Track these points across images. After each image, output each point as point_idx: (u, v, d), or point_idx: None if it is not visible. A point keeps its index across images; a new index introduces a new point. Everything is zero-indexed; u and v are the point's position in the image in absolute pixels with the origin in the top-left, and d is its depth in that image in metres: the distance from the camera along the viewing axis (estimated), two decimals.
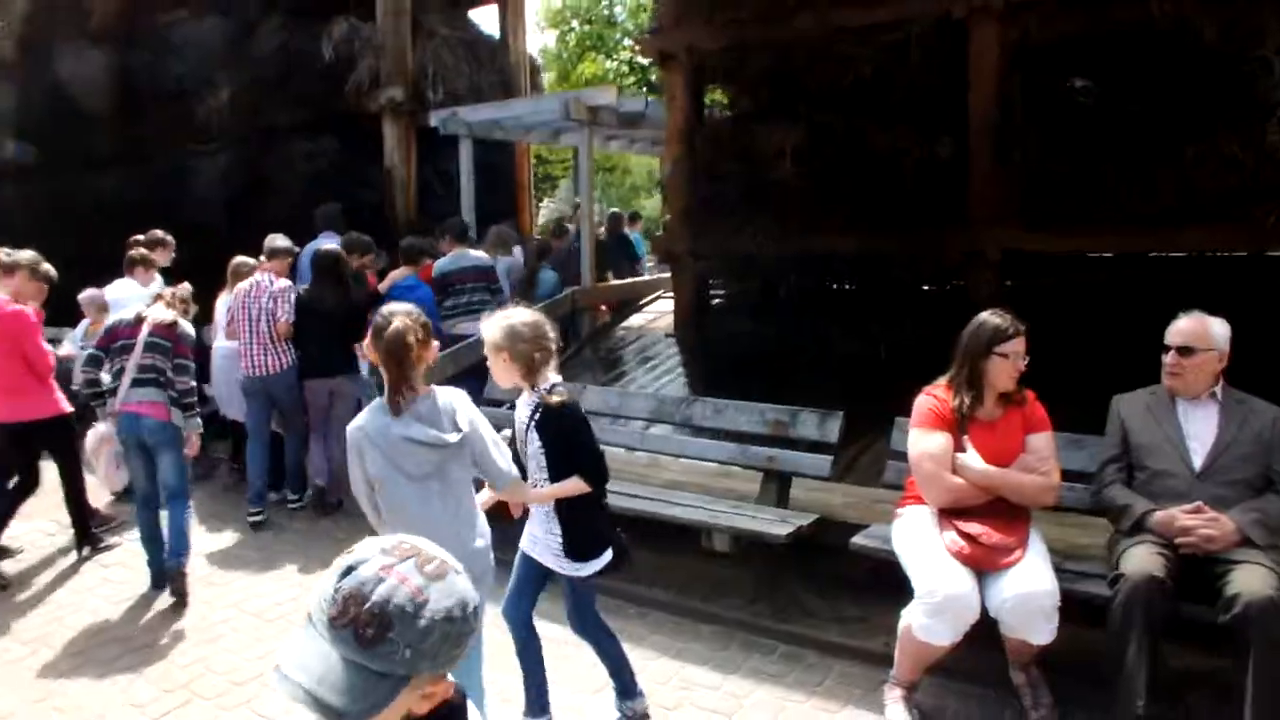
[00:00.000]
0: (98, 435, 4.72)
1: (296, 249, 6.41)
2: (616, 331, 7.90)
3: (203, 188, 10.48)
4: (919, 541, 3.01)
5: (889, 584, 3.82)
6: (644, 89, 18.01)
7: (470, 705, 1.21)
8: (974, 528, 2.96)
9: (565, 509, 2.97)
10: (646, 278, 9.13)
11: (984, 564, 2.91)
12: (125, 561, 5.09)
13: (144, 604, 4.56)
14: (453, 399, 2.84)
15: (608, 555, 3.03)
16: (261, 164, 10.11)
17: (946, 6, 5.91)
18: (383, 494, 2.80)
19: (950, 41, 5.98)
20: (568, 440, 2.92)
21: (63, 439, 5.10)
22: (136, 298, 6.09)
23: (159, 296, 4.95)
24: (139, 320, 4.65)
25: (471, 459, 2.83)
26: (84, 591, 4.75)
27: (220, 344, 6.33)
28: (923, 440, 3.04)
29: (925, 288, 6.63)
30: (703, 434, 4.59)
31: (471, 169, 8.74)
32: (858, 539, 3.51)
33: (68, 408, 5.12)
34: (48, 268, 5.27)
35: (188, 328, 4.77)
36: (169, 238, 7.16)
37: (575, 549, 2.99)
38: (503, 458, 2.87)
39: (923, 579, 2.88)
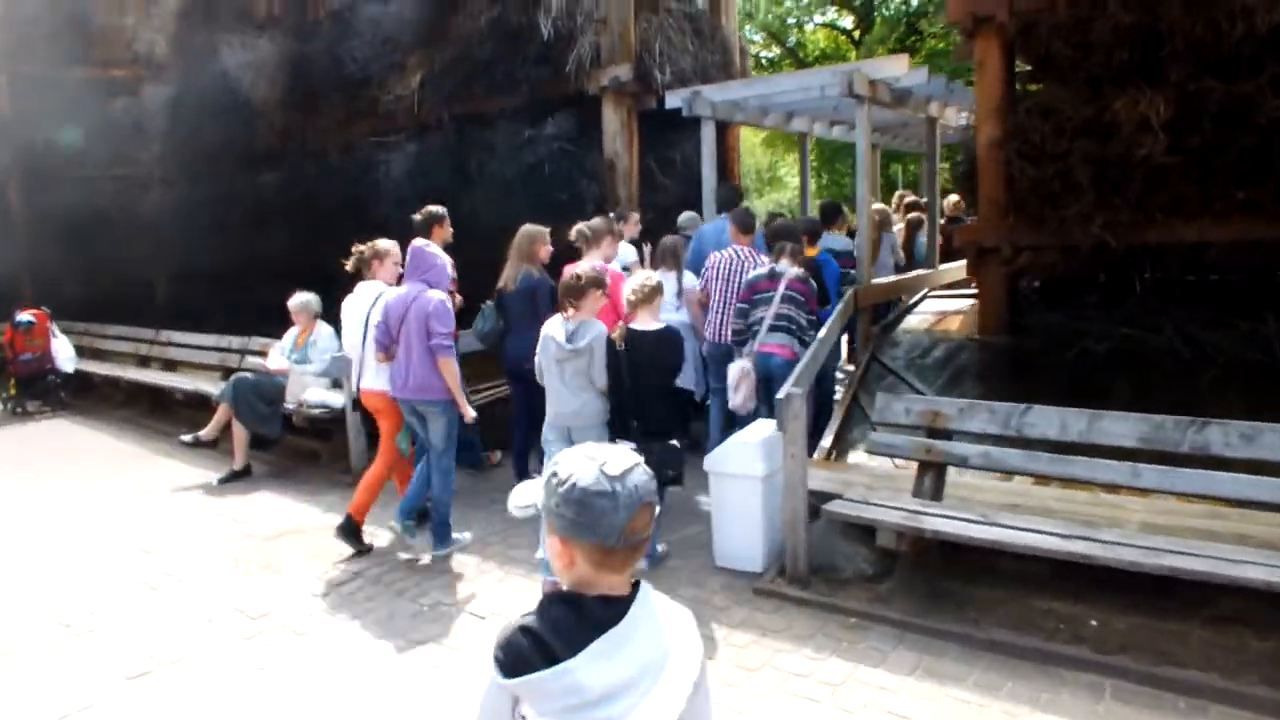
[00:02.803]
0: (740, 369, 5.91)
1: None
2: (897, 336, 7.25)
3: (390, 181, 10.16)
4: None
5: None
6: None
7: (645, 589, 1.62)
8: None
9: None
10: (908, 275, 8.44)
11: None
12: None
13: None
14: (596, 329, 4.73)
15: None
16: (463, 153, 9.71)
17: None
18: (542, 366, 4.90)
19: None
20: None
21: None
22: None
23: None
24: (774, 275, 6.00)
25: (588, 361, 4.72)
26: None
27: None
28: None
29: None
30: (1211, 465, 3.90)
31: (714, 155, 8.18)
32: None
33: None
34: None
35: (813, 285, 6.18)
36: (634, 212, 7.70)
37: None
38: (602, 371, 4.73)
39: None
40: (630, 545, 1.54)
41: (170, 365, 10.84)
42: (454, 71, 9.76)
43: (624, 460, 1.57)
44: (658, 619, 1.59)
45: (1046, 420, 4.21)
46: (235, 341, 9.53)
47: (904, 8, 22.94)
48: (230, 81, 11.97)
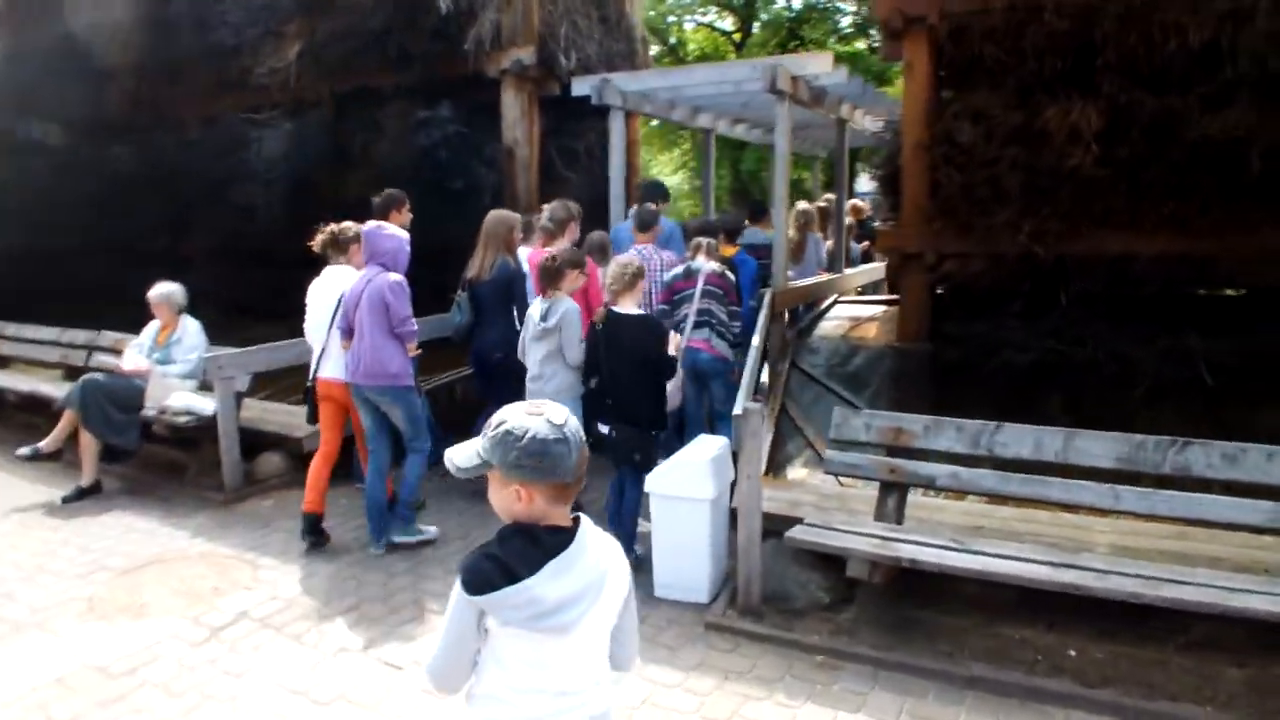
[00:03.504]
0: None
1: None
2: (814, 343, 6.99)
3: (261, 161, 9.23)
4: None
5: None
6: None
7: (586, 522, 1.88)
8: None
9: None
10: (819, 278, 8.19)
11: None
12: None
13: None
14: (564, 307, 4.97)
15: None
16: (345, 133, 8.89)
17: None
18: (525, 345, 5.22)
19: None
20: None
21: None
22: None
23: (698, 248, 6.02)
24: (690, 274, 5.77)
25: (559, 339, 4.98)
26: None
27: None
28: None
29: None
30: (1188, 486, 3.73)
31: (623, 147, 7.71)
32: None
33: None
34: None
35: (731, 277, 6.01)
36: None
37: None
38: (573, 347, 4.98)
39: None
40: (577, 479, 1.81)
41: (1, 361, 9.50)
42: (338, 43, 8.88)
43: (559, 409, 1.83)
44: (596, 545, 1.85)
45: (1019, 439, 3.94)
46: (81, 336, 8.36)
47: (786, 12, 23.05)
48: (77, 43, 10.66)
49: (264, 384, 7.73)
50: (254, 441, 6.73)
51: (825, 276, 8.29)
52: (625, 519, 4.90)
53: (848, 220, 9.18)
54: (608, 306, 4.92)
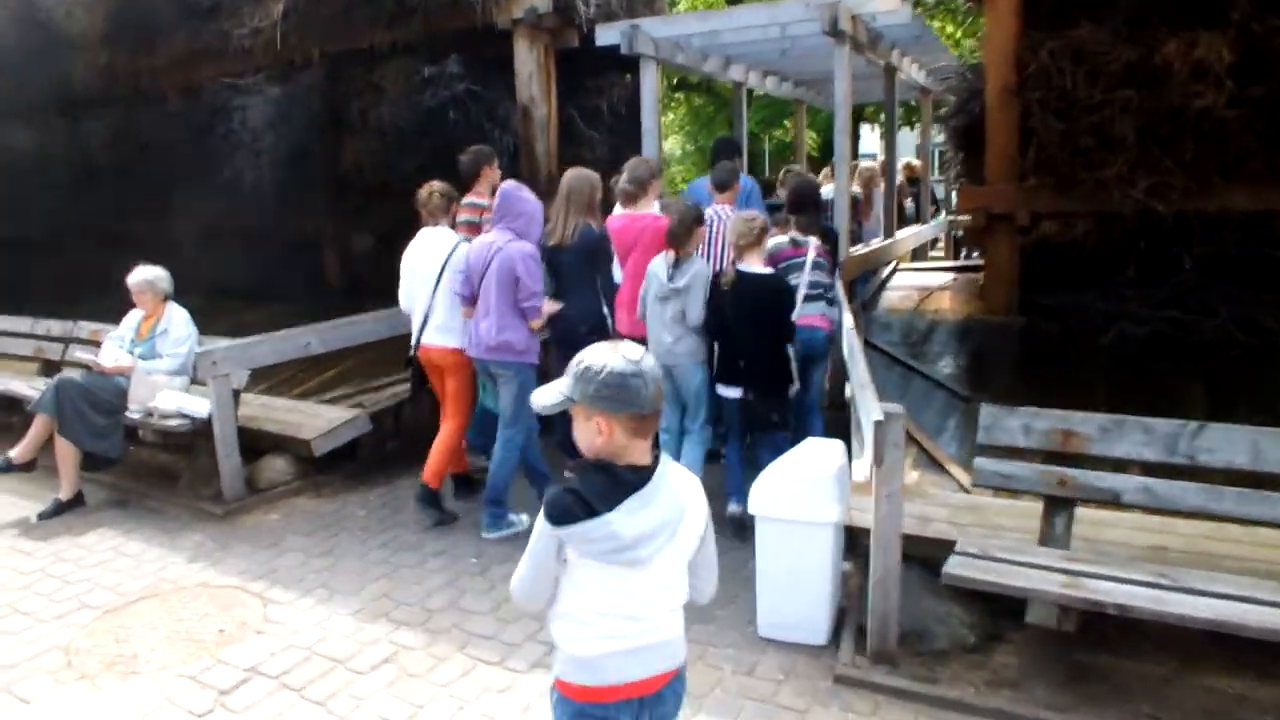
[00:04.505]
0: None
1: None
2: (884, 317, 6.17)
3: (247, 131, 8.31)
4: None
5: None
6: None
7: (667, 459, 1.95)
8: None
9: None
10: (872, 245, 7.34)
11: None
12: None
13: None
14: (696, 268, 4.73)
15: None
16: (340, 97, 7.96)
17: None
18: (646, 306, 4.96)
19: None
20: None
21: None
22: None
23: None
24: (797, 243, 5.20)
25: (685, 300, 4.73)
26: None
27: None
28: None
29: None
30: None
31: (655, 103, 6.81)
32: None
33: None
34: None
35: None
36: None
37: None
38: (697, 307, 4.68)
39: None
40: (654, 411, 1.88)
41: None
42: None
43: (635, 348, 1.90)
44: (675, 483, 1.92)
45: (1231, 443, 3.11)
46: (57, 327, 7.44)
47: None
48: (38, 11, 9.66)
49: (261, 376, 6.85)
50: (254, 444, 5.89)
51: (882, 241, 7.46)
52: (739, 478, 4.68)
53: (899, 179, 8.34)
54: (734, 265, 4.69)
